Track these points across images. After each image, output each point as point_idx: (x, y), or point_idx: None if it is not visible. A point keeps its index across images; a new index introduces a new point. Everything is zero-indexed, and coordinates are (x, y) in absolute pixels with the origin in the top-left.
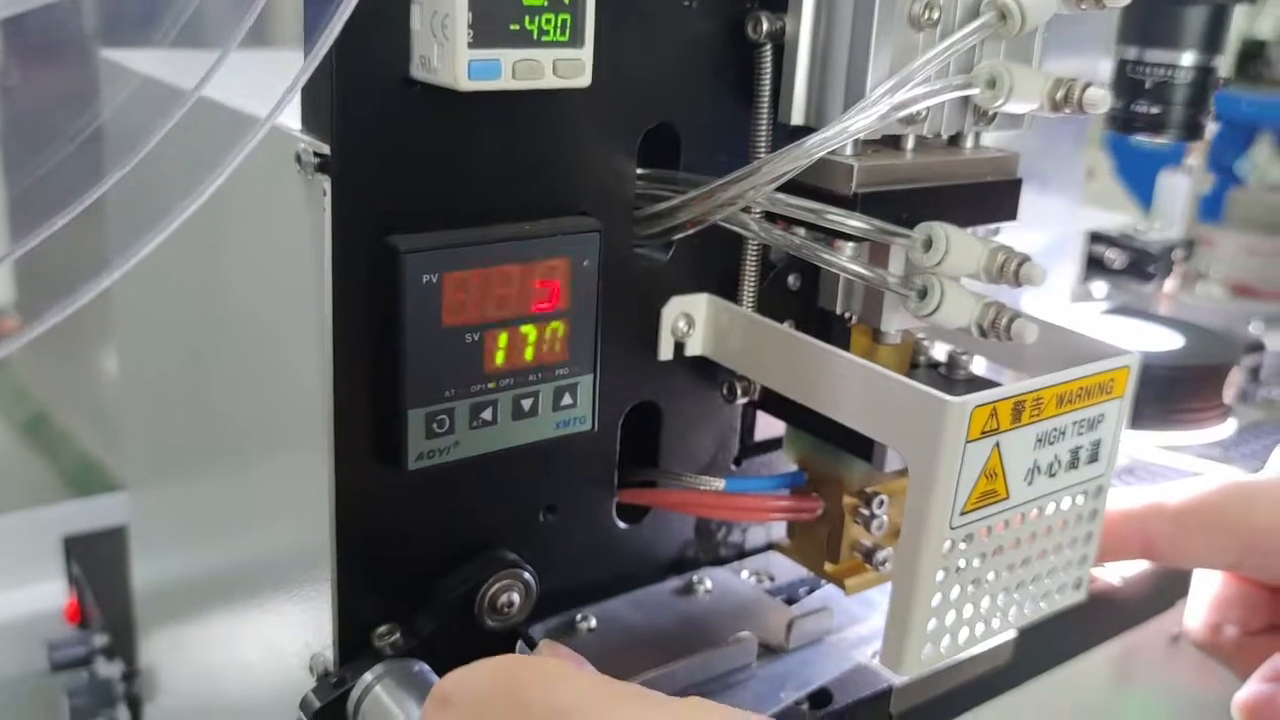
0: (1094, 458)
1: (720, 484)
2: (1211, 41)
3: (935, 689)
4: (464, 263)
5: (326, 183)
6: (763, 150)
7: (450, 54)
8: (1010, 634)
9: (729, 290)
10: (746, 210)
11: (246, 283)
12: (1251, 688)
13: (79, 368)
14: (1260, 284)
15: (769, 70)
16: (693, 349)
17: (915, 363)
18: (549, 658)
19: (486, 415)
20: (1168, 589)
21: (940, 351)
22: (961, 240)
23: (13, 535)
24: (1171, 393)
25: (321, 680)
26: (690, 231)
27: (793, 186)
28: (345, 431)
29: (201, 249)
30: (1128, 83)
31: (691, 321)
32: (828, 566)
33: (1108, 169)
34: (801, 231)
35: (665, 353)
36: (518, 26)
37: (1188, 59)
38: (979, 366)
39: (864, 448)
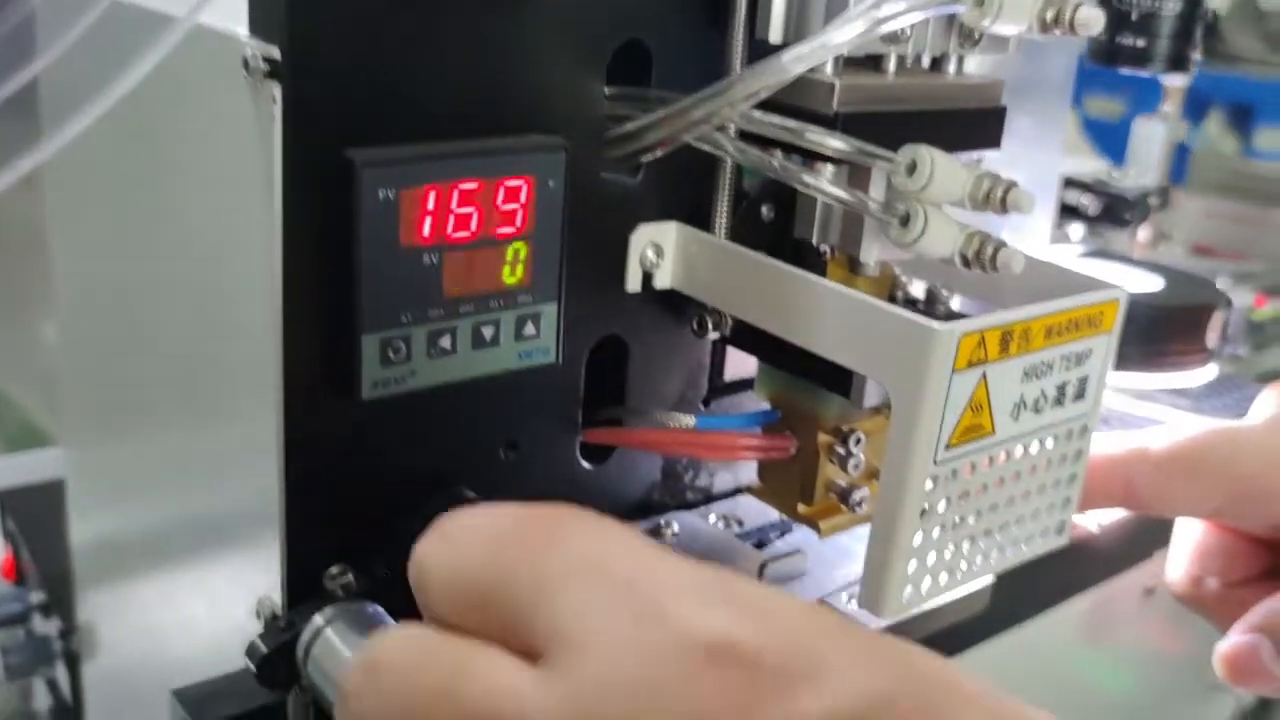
0: (1080, 395)
1: (690, 421)
2: None
3: (912, 635)
4: (423, 178)
5: (277, 90)
6: (738, 68)
7: None
8: (988, 580)
9: (700, 220)
10: (722, 130)
11: (191, 207)
12: (1234, 639)
13: (16, 330)
14: (1220, 245)
15: None
16: (661, 281)
17: (893, 298)
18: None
19: (445, 343)
20: (1144, 539)
21: (918, 289)
22: (947, 165)
23: None
24: (1154, 334)
25: (269, 625)
26: (660, 153)
27: (771, 106)
28: (295, 360)
29: (144, 178)
30: (1113, 15)
31: (660, 251)
32: (801, 508)
33: (1073, 122)
34: (779, 154)
35: (633, 284)
36: None
37: None
38: (956, 306)
39: (841, 383)
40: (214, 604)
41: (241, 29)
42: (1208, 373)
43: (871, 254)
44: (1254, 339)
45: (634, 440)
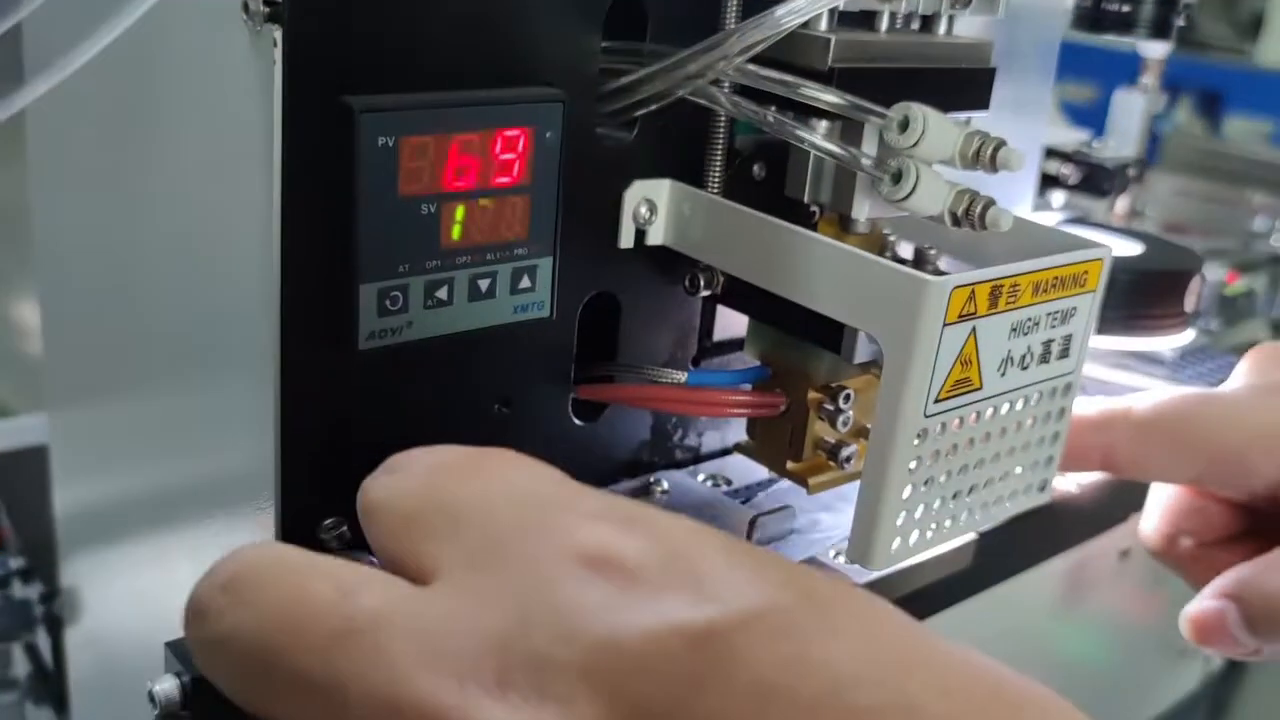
0: (1065, 352)
1: (682, 377)
2: None
3: (898, 590)
4: (422, 127)
5: (278, 33)
6: (733, 23)
7: None
8: (971, 537)
9: (693, 178)
10: (716, 84)
11: (185, 157)
12: (1202, 603)
13: None
14: (1192, 224)
15: None
16: (654, 237)
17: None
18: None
19: (442, 294)
20: (1123, 501)
21: (906, 249)
22: (939, 122)
23: None
24: (1134, 297)
25: None
26: (654, 107)
27: (766, 62)
28: (293, 311)
29: (135, 129)
30: None
31: (654, 208)
32: (790, 465)
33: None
34: (773, 110)
35: (626, 240)
36: None
37: None
38: (944, 266)
39: (831, 339)
40: (207, 563)
41: None
42: (1186, 337)
43: (863, 211)
44: (1226, 313)
45: (626, 396)
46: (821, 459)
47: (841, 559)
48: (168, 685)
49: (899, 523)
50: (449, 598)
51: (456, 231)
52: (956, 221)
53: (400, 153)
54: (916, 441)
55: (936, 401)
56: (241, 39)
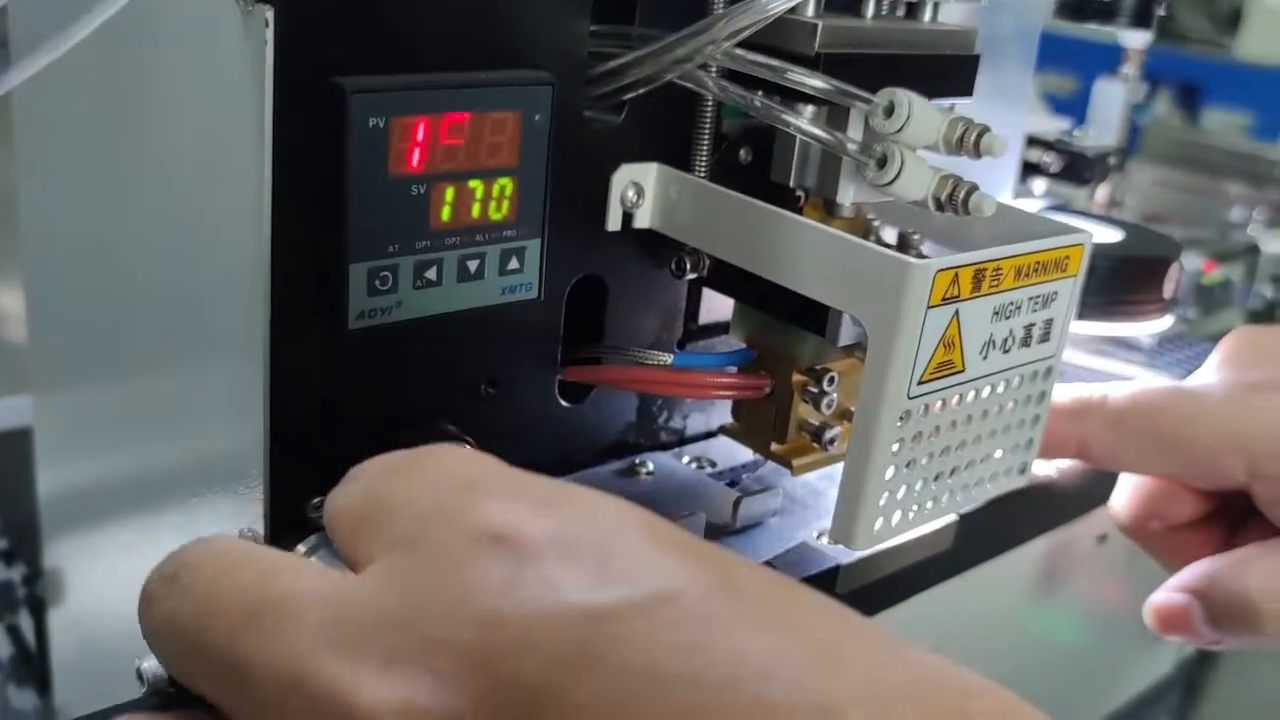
0: (1045, 336)
1: (668, 359)
2: None
3: (880, 570)
4: (413, 108)
5: (269, 13)
6: (721, 7)
7: None
8: (952, 518)
9: (680, 162)
10: (704, 69)
11: (174, 138)
12: (1166, 595)
13: None
14: (1170, 214)
15: None
16: (641, 220)
17: None
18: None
19: (431, 275)
20: (1101, 486)
21: (890, 234)
22: (923, 108)
23: None
24: (1114, 283)
25: None
26: (642, 91)
27: (753, 47)
28: (282, 291)
29: (123, 110)
30: None
31: (641, 191)
32: (774, 446)
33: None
34: (760, 95)
35: (613, 223)
36: None
37: None
38: (927, 250)
39: (816, 322)
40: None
41: None
42: (1164, 323)
43: (848, 195)
44: (1203, 302)
45: (613, 378)
46: (805, 441)
47: (825, 540)
48: (155, 662)
49: (881, 503)
50: (364, 583)
51: (446, 212)
52: (940, 206)
53: (391, 133)
54: (899, 423)
55: (920, 384)
56: (233, 19)
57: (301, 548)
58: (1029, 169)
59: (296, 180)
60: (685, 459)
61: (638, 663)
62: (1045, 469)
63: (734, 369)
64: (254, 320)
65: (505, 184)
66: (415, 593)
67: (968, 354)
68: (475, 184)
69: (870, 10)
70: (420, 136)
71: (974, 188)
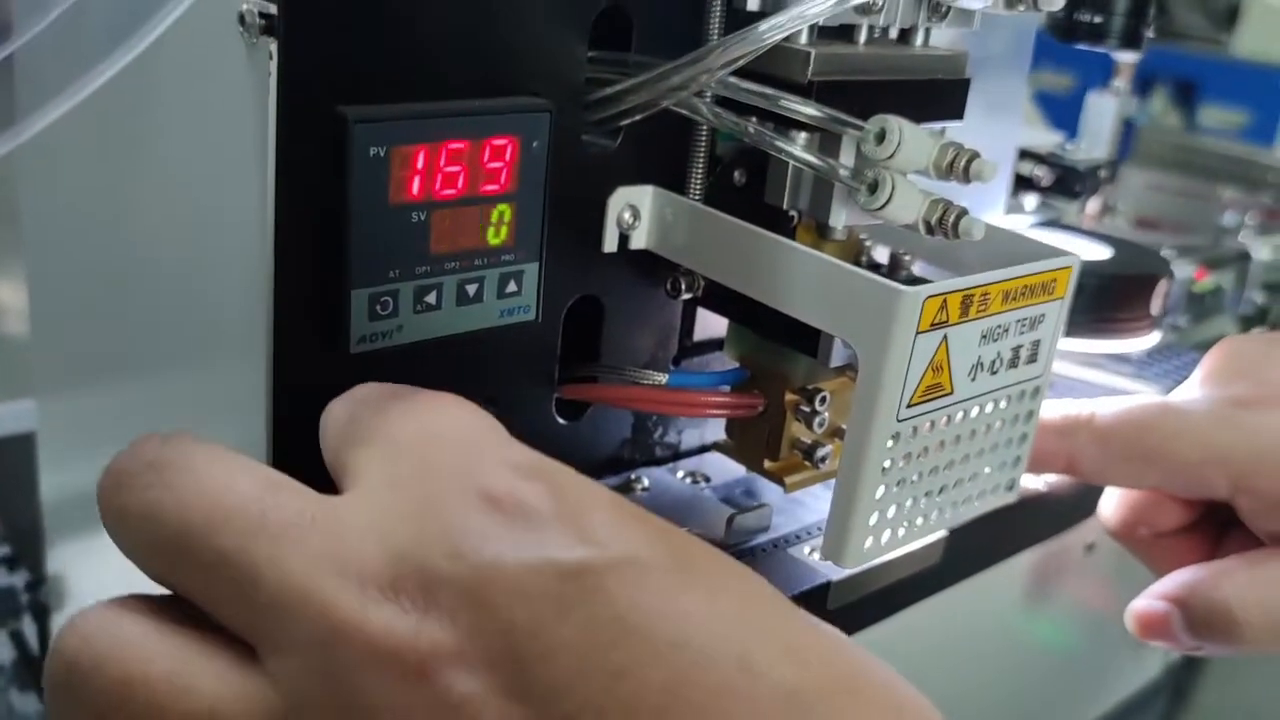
0: (1033, 358)
1: (663, 378)
2: None
3: (871, 586)
4: (413, 137)
5: (273, 45)
6: (716, 36)
7: None
8: (941, 534)
9: (675, 184)
10: (699, 95)
11: (179, 163)
12: (1148, 602)
13: None
14: (1163, 219)
15: None
16: (637, 242)
17: (858, 263)
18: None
19: (431, 299)
20: (1089, 497)
21: (882, 254)
22: (914, 134)
23: None
24: (1102, 301)
25: None
26: (639, 117)
27: (747, 74)
28: (285, 315)
29: (129, 136)
30: None
31: (637, 213)
32: (767, 464)
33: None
34: (754, 121)
35: (610, 244)
36: None
37: None
38: (918, 271)
39: (808, 343)
40: None
41: None
42: (1151, 340)
43: (840, 219)
44: (1194, 310)
45: (609, 396)
46: (797, 458)
47: (816, 555)
48: None
49: (872, 522)
50: (365, 510)
51: (445, 238)
52: (930, 230)
53: (391, 162)
54: (890, 444)
55: (909, 406)
56: (238, 51)
57: None
58: (1021, 182)
59: (299, 208)
60: (680, 474)
61: (605, 614)
62: (1034, 483)
63: (727, 388)
64: (255, 328)
65: (504, 209)
66: (419, 531)
67: (956, 376)
68: (474, 210)
69: (863, 37)
70: (420, 164)
71: (963, 212)
